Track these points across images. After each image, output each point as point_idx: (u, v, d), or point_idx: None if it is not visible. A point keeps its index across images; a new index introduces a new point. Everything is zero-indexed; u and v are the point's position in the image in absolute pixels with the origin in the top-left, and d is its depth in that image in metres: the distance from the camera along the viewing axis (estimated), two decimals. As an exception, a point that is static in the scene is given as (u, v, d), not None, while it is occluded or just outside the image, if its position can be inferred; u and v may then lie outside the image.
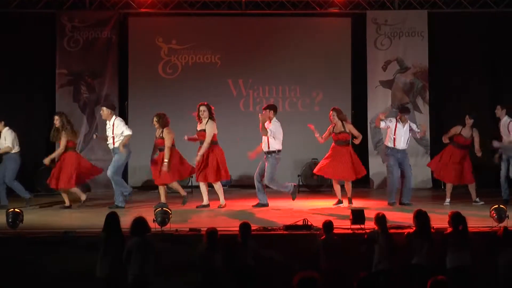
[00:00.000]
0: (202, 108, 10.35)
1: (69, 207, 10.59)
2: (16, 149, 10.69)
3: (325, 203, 10.79)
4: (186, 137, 10.59)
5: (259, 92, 13.65)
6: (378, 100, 13.27)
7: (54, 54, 13.08)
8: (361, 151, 13.03)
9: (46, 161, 10.62)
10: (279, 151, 10.42)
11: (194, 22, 13.60)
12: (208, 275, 6.71)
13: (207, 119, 10.32)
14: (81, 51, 13.14)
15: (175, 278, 6.85)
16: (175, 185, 10.55)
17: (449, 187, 10.89)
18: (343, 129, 10.54)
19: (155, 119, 10.54)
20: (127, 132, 10.48)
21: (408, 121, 10.67)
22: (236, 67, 13.64)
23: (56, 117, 10.59)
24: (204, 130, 10.30)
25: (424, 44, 13.40)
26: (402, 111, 10.86)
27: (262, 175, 10.46)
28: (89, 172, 10.83)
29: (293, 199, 10.55)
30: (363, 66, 13.55)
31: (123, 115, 13.21)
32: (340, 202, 10.60)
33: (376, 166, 13.04)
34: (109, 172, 10.50)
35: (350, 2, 13.32)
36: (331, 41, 13.71)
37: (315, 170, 10.89)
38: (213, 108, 10.42)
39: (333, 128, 10.61)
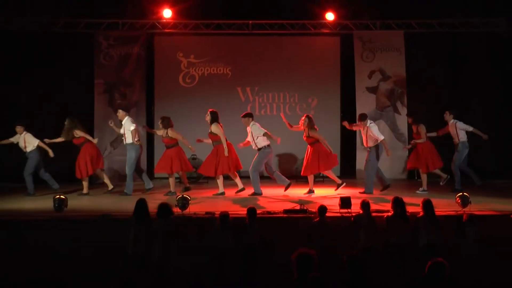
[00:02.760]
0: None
1: (86, 194, 10.67)
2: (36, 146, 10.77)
3: (317, 191, 10.75)
4: (196, 139, 10.62)
5: (263, 98, 13.64)
6: (365, 104, 13.25)
7: (93, 67, 13.10)
8: (350, 147, 13.11)
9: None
10: (267, 146, 10.40)
11: (209, 40, 13.60)
12: (220, 251, 6.75)
13: (211, 123, 10.32)
14: (115, 64, 13.14)
15: (193, 254, 6.87)
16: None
17: (424, 176, 10.87)
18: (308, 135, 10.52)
19: (160, 121, 10.63)
20: (132, 127, 10.57)
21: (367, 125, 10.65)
22: (244, 77, 13.62)
23: (67, 120, 10.69)
24: (211, 132, 10.34)
25: (402, 58, 13.38)
26: (359, 118, 10.84)
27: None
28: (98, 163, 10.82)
29: (250, 194, 10.35)
30: (352, 76, 13.53)
31: (150, 117, 13.33)
32: (312, 191, 10.55)
33: (362, 161, 12.99)
34: (127, 169, 10.65)
35: (339, 24, 13.30)
36: (323, 55, 13.72)
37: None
38: (217, 112, 10.45)
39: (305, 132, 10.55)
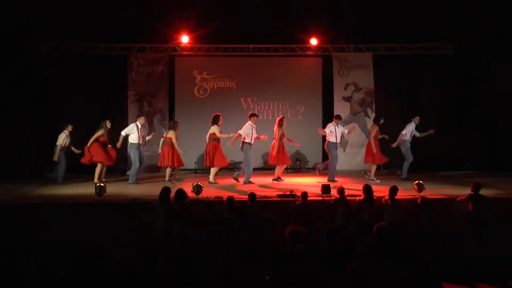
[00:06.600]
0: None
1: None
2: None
3: (304, 180, 10.79)
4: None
5: (261, 106, 13.61)
6: (341, 110, 13.22)
7: (126, 82, 13.10)
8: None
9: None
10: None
11: (218, 60, 13.58)
12: (228, 228, 6.78)
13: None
14: (144, 79, 13.13)
15: (205, 230, 6.91)
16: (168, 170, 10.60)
17: (374, 168, 10.76)
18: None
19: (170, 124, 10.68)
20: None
21: (340, 125, 10.68)
22: (246, 89, 13.59)
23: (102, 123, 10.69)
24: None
25: (371, 74, 13.38)
26: (337, 118, 10.78)
27: None
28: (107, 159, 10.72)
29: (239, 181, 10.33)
30: (331, 88, 13.52)
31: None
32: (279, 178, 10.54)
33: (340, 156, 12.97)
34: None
35: (321, 47, 13.32)
36: (308, 72, 13.69)
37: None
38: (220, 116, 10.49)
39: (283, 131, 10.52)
